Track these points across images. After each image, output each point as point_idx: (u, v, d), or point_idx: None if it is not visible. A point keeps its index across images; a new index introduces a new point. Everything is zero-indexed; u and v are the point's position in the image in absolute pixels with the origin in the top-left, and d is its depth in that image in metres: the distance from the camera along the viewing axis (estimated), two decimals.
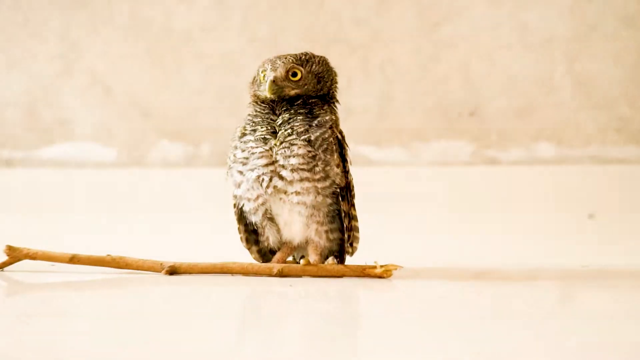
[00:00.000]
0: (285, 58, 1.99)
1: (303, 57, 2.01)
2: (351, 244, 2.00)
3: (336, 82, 2.03)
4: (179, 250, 2.60)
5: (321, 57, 2.03)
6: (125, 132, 3.94)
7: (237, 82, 3.82)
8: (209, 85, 3.94)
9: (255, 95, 2.04)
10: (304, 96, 1.98)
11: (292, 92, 1.98)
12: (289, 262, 2.01)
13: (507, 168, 3.83)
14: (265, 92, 1.98)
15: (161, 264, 1.95)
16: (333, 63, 2.08)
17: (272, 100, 1.99)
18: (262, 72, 2.03)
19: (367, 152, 3.89)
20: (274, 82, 1.97)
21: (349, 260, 2.01)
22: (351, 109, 3.90)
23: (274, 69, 1.98)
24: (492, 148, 3.88)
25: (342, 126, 2.07)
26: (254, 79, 2.06)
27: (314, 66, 1.99)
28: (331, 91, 2.03)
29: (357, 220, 1.99)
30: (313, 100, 1.97)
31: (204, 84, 3.93)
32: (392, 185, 3.80)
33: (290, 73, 1.98)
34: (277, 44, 3.81)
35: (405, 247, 2.78)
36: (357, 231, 2.00)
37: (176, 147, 3.98)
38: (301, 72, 1.98)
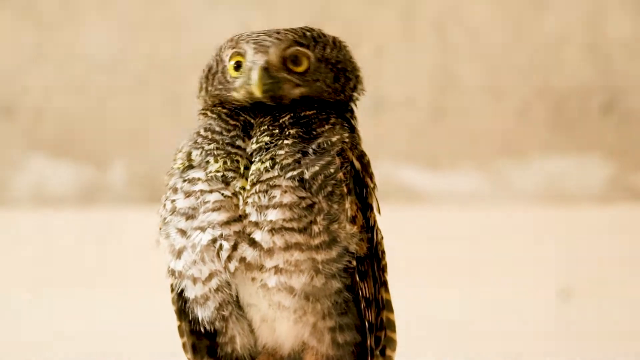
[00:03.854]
0: (278, 34, 1.63)
1: (308, 33, 1.64)
2: (383, 353, 1.62)
3: (362, 82, 1.66)
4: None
5: (335, 37, 1.67)
6: None
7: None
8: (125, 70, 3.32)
9: (212, 99, 1.65)
10: (314, 101, 1.61)
11: (296, 92, 1.60)
12: None
13: None
14: (249, 89, 1.59)
15: None
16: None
17: (245, 107, 1.62)
18: (229, 57, 1.64)
19: (410, 178, 3.19)
20: (266, 70, 1.59)
21: None
22: (383, 100, 3.24)
23: (262, 50, 1.60)
24: None
25: (362, 134, 1.71)
26: (208, 72, 1.67)
27: (327, 50, 1.63)
28: (354, 97, 1.64)
29: (392, 311, 1.63)
30: (322, 109, 1.60)
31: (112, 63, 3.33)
32: (458, 239, 3.03)
33: (289, 59, 1.60)
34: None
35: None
36: (394, 329, 1.63)
37: (62, 169, 3.24)
38: (308, 58, 1.60)
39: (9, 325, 2.67)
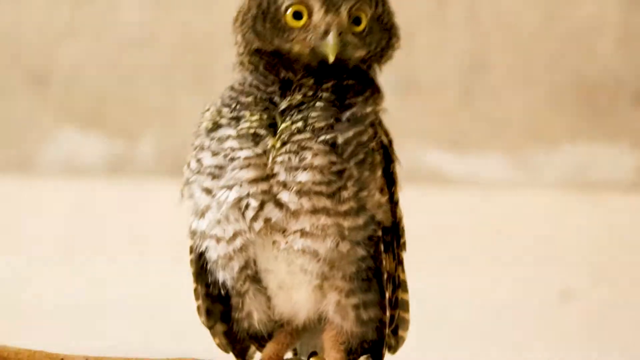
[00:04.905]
0: None
1: None
2: (395, 332, 1.61)
3: (398, 38, 1.61)
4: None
5: None
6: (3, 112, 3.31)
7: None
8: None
9: (257, 41, 1.57)
10: (363, 63, 1.58)
11: (357, 54, 1.57)
12: None
13: None
14: (321, 51, 1.54)
15: (62, 358, 1.67)
16: None
17: (291, 63, 1.56)
18: (289, 3, 1.55)
19: (438, 162, 3.16)
20: (340, 35, 1.54)
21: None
22: (412, 82, 3.18)
23: (334, 10, 1.54)
24: None
25: (390, 115, 1.67)
26: (257, 8, 1.57)
27: (379, 6, 1.59)
28: (385, 57, 1.61)
29: (407, 291, 1.61)
30: (355, 73, 1.57)
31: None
32: (484, 224, 2.99)
33: (352, 18, 1.56)
34: None
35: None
36: (407, 310, 1.62)
37: (92, 141, 3.23)
38: (366, 16, 1.57)
39: (40, 292, 2.70)
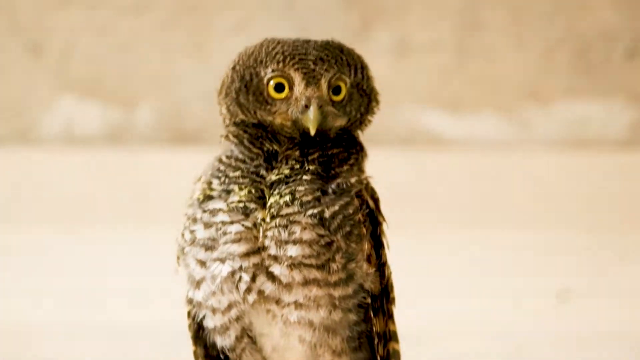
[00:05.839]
0: (319, 57, 1.60)
1: (343, 57, 1.60)
2: None
3: (377, 102, 1.63)
4: None
5: (360, 56, 1.63)
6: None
7: None
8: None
9: (241, 113, 1.60)
10: (344, 132, 1.61)
11: (338, 123, 1.60)
12: None
13: None
14: (303, 124, 1.58)
15: None
16: None
17: (275, 135, 1.60)
18: (270, 77, 1.59)
19: (434, 122, 3.15)
20: (321, 108, 1.58)
21: None
22: (407, 43, 3.16)
23: (314, 82, 1.58)
24: None
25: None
26: (240, 81, 1.60)
27: (358, 73, 1.61)
28: (364, 123, 1.63)
29: (397, 341, 1.64)
30: (338, 142, 1.61)
31: None
32: (478, 183, 3.00)
33: (332, 88, 1.59)
34: None
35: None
36: (399, 358, 1.64)
37: (90, 110, 3.24)
38: (345, 85, 1.59)
39: (40, 260, 2.70)
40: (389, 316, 1.65)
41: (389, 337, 1.64)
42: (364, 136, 1.65)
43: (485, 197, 2.98)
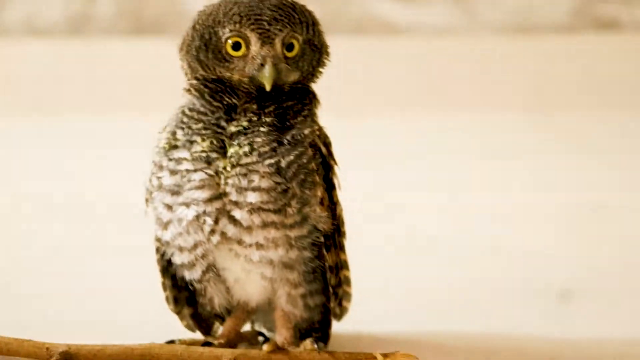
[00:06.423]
0: (274, 17, 1.64)
1: (296, 16, 1.65)
2: (340, 303, 1.79)
3: (327, 55, 1.71)
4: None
5: (311, 12, 1.69)
6: None
7: None
8: None
9: (201, 68, 1.68)
10: (298, 85, 1.68)
11: (291, 78, 1.67)
12: (245, 333, 1.80)
13: (635, 37, 3.08)
14: (259, 80, 1.65)
15: (47, 348, 1.70)
16: None
17: (234, 89, 1.67)
18: (228, 36, 1.66)
19: (387, 11, 3.09)
20: (275, 66, 1.64)
21: (335, 335, 1.80)
22: None
23: (269, 42, 1.65)
24: (609, 1, 3.11)
25: None
26: (200, 39, 1.68)
27: (310, 30, 1.68)
28: (315, 73, 1.70)
29: (348, 268, 1.77)
30: (292, 94, 1.68)
31: None
32: (428, 72, 2.97)
33: (286, 46, 1.66)
34: None
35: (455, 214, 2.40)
36: (349, 284, 1.78)
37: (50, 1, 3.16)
38: (298, 42, 1.67)
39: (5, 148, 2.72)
40: (340, 248, 1.76)
41: (341, 266, 1.76)
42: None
43: (434, 81, 2.98)
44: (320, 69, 1.72)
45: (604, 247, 2.20)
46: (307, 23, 1.68)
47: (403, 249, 2.19)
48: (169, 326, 1.76)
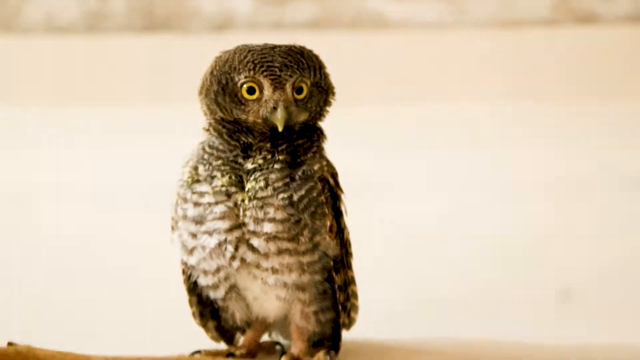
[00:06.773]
0: (284, 64, 1.72)
1: (304, 61, 1.73)
2: (348, 315, 1.85)
3: (333, 94, 1.78)
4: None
5: (318, 56, 1.76)
6: None
7: None
8: None
9: (220, 111, 1.75)
10: (307, 124, 1.76)
11: (302, 118, 1.76)
12: (264, 344, 1.87)
13: (611, 30, 3.00)
14: (272, 122, 1.73)
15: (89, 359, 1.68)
16: None
17: (249, 129, 1.75)
18: (243, 82, 1.73)
19: (380, 6, 3.06)
20: (287, 108, 1.71)
21: (347, 337, 1.85)
22: None
23: (280, 87, 1.72)
24: None
25: None
26: (218, 84, 1.75)
27: (317, 73, 1.75)
28: (323, 112, 1.78)
29: (355, 284, 1.84)
30: (302, 133, 1.76)
31: None
32: (420, 64, 2.95)
33: (295, 89, 1.73)
34: None
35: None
36: (356, 297, 1.85)
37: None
38: (307, 85, 1.74)
39: (28, 139, 2.81)
40: (348, 267, 1.84)
41: (348, 282, 1.84)
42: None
43: (425, 75, 3.00)
44: (327, 108, 1.80)
45: (585, 224, 2.26)
46: (315, 67, 1.76)
47: (396, 247, 2.27)
48: (196, 336, 1.88)
